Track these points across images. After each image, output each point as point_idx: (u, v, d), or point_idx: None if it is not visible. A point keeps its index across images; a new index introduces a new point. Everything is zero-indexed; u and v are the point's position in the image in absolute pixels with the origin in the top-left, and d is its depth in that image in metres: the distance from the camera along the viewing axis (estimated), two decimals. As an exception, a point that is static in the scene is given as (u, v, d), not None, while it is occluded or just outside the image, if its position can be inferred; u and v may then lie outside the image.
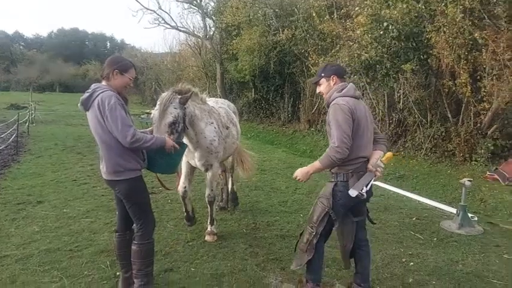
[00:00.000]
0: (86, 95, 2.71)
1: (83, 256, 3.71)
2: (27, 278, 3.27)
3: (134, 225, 2.96)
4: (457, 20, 6.38)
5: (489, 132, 7.39)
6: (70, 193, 5.87)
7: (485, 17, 6.39)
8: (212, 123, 3.97)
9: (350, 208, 2.86)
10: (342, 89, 2.84)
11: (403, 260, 3.75)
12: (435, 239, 4.34)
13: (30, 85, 37.31)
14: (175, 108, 3.28)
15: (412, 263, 3.68)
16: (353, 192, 2.68)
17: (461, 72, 6.84)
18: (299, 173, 2.89)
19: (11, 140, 9.47)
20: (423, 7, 6.90)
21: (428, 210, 5.44)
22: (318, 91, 3.05)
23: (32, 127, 13.97)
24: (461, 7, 6.33)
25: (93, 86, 2.73)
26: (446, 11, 6.49)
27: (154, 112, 3.32)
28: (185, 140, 3.70)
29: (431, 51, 7.42)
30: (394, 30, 7.18)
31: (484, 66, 6.75)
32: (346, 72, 3.12)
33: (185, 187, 4.17)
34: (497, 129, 7.35)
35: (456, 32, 6.51)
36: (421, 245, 4.13)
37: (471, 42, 6.60)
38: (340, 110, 2.70)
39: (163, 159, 3.00)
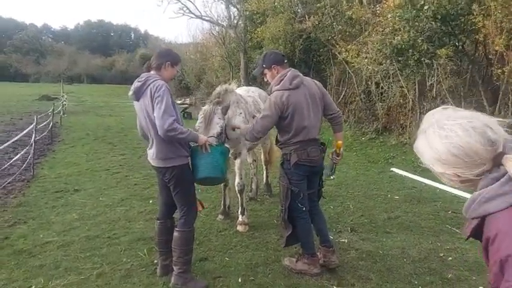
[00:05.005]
0: (139, 84, 2.79)
1: (121, 243, 3.82)
2: (70, 264, 3.41)
3: (176, 213, 3.04)
4: None
5: (528, 123, 7.02)
6: (104, 182, 6.06)
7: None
8: (241, 113, 4.07)
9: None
10: (280, 81, 3.08)
11: (441, 254, 3.65)
12: (473, 233, 4.19)
13: (59, 77, 38.54)
14: (219, 118, 3.45)
15: (450, 258, 3.57)
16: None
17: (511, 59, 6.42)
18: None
19: (46, 130, 9.83)
20: None
21: (464, 203, 5.26)
22: (265, 80, 3.32)
23: (64, 118, 14.45)
24: None
25: (144, 75, 2.82)
26: None
27: (200, 125, 3.45)
28: None
29: (476, 36, 6.99)
30: (429, 10, 6.79)
31: None
32: (285, 57, 3.37)
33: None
34: (536, 120, 6.97)
35: (506, 15, 6.08)
36: (458, 239, 4.00)
37: None
38: (268, 105, 3.08)
39: (205, 160, 2.98)
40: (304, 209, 3.18)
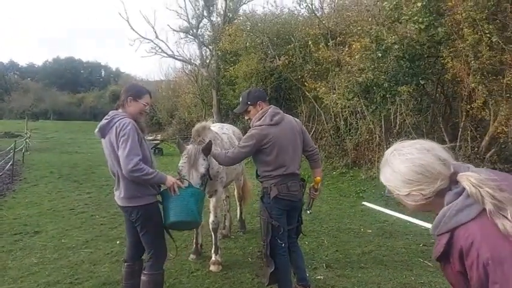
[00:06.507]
0: (105, 121, 2.71)
1: (84, 289, 3.56)
2: (26, 314, 3.11)
3: (145, 255, 2.88)
4: (482, 44, 6.35)
5: (487, 157, 7.43)
6: (68, 222, 5.72)
7: (500, 42, 6.42)
8: (217, 151, 3.99)
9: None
10: (261, 117, 3.15)
11: (415, 288, 3.65)
12: (445, 265, 4.25)
13: (24, 113, 37.21)
14: (204, 159, 3.35)
15: (424, 292, 3.58)
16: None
17: (479, 95, 6.83)
18: None
19: (6, 168, 9.30)
20: (442, 29, 6.81)
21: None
22: (247, 118, 3.36)
23: (27, 155, 13.79)
24: (486, 33, 6.31)
25: (111, 113, 2.75)
26: (465, 36, 6.49)
27: (183, 165, 3.32)
28: None
29: (445, 76, 7.43)
30: (400, 50, 7.16)
31: (500, 90, 6.72)
32: (267, 94, 3.41)
33: (201, 216, 4.19)
34: (495, 154, 7.41)
35: (474, 57, 6.50)
36: (431, 272, 4.03)
37: (490, 67, 6.56)
38: (248, 137, 3.13)
39: (174, 203, 2.82)
40: (283, 245, 3.12)
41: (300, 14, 14.01)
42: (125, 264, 2.99)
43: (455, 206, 1.17)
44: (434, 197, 1.25)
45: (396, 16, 7.34)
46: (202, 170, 3.31)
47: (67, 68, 74.30)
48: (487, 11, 6.30)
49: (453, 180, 1.23)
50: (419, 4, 6.68)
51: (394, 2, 7.25)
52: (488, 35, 6.28)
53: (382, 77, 7.64)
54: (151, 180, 2.67)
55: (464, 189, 1.19)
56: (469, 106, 7.35)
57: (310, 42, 10.92)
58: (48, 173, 10.37)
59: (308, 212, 3.53)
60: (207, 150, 3.33)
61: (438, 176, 1.22)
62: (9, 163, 9.47)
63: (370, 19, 8.62)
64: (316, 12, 12.55)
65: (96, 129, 2.77)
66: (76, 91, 61.14)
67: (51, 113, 53.30)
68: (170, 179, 2.81)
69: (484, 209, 1.13)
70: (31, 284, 3.63)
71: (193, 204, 2.87)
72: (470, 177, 1.18)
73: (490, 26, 6.29)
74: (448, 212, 1.18)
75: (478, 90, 6.77)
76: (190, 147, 3.43)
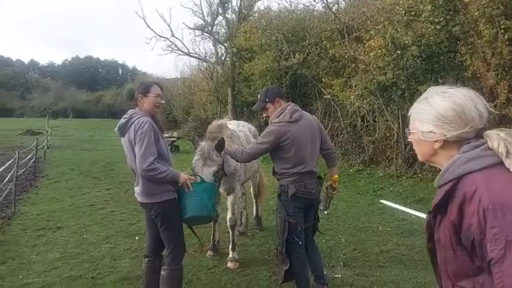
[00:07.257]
0: (124, 120, 2.78)
1: (105, 284, 3.65)
2: (50, 307, 3.21)
3: (164, 250, 2.93)
4: (498, 40, 6.21)
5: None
6: (89, 218, 5.86)
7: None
8: (235, 147, 4.00)
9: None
10: (280, 114, 3.13)
11: (436, 288, 3.58)
12: (466, 265, 4.15)
13: (45, 111, 38.22)
14: (217, 156, 3.40)
15: (445, 292, 3.50)
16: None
17: (501, 92, 6.67)
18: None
19: (29, 165, 9.58)
20: (457, 28, 6.74)
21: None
22: (265, 115, 3.34)
23: (48, 152, 14.16)
24: (501, 28, 6.17)
25: (130, 112, 2.81)
26: (482, 32, 6.36)
27: (196, 162, 3.38)
28: None
29: (465, 74, 7.29)
30: (416, 50, 7.09)
31: None
32: (284, 92, 3.40)
33: (216, 211, 4.21)
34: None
35: (493, 53, 6.38)
36: (452, 272, 3.95)
37: (509, 62, 6.44)
38: (266, 133, 3.11)
39: (189, 199, 2.89)
40: (300, 243, 3.12)
41: (315, 9, 13.88)
42: (146, 259, 3.05)
43: (468, 154, 1.15)
44: (451, 144, 1.22)
45: (413, 15, 7.24)
46: (215, 166, 3.35)
47: (86, 66, 75.91)
48: (503, 7, 6.16)
49: (478, 135, 1.21)
50: (429, 7, 6.62)
51: (406, 5, 7.17)
52: (502, 31, 6.15)
53: (402, 76, 7.54)
54: (164, 178, 2.73)
55: (484, 143, 1.17)
56: (491, 103, 7.15)
57: (324, 40, 10.81)
58: (69, 170, 10.63)
59: (325, 212, 3.51)
60: (220, 146, 3.35)
61: (469, 122, 1.20)
62: (32, 160, 9.75)
63: (385, 21, 8.43)
64: (332, 7, 12.39)
65: (116, 128, 2.84)
66: (94, 89, 62.38)
67: (70, 111, 54.51)
68: (183, 176, 2.88)
69: (498, 163, 1.12)
70: (54, 278, 3.74)
71: (206, 199, 2.95)
72: (500, 132, 1.17)
73: (507, 22, 6.14)
74: (459, 160, 1.16)
75: (500, 86, 6.59)
76: (203, 144, 3.47)
